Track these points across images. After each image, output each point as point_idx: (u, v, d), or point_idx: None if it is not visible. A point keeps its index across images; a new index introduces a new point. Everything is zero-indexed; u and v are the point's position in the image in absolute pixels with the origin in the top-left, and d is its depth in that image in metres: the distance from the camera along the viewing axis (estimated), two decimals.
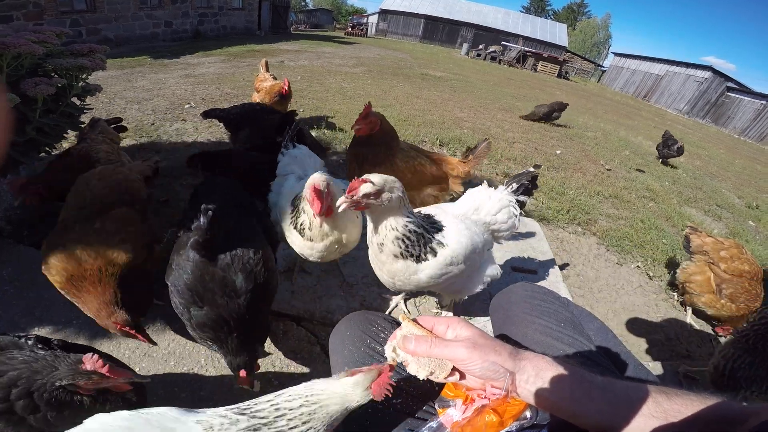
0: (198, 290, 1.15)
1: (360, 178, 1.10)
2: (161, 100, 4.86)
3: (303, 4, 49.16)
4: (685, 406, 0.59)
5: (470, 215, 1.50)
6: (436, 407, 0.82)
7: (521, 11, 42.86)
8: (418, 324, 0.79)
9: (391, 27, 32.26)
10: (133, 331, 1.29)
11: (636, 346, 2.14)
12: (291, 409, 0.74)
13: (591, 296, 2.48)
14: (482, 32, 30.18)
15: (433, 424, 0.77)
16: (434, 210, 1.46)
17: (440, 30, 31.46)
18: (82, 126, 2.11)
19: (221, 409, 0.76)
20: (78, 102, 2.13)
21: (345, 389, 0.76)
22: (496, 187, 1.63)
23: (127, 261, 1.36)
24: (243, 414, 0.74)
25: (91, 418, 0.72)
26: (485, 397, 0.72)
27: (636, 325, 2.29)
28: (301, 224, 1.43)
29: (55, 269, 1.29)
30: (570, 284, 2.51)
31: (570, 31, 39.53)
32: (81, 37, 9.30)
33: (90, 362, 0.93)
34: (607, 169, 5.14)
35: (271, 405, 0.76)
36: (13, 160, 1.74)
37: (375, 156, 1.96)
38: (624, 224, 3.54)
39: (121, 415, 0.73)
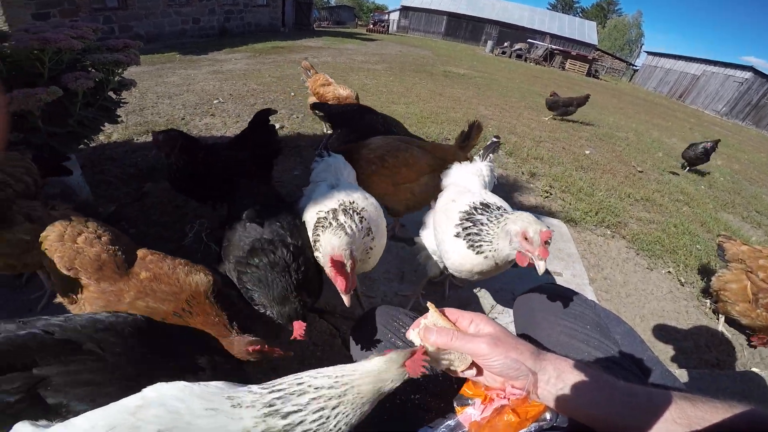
0: (256, 247, 1.29)
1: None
2: (191, 96, 5.00)
3: (325, 1, 49.46)
4: (710, 413, 0.57)
5: (480, 184, 1.71)
6: (455, 405, 0.81)
7: (548, 9, 41.71)
8: (444, 315, 0.78)
9: (413, 24, 32.06)
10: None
11: (663, 353, 2.09)
12: (316, 388, 0.72)
13: (618, 300, 2.41)
14: (507, 29, 29.63)
15: (451, 422, 0.77)
16: (470, 200, 1.48)
17: (463, 27, 31.06)
18: (119, 119, 2.18)
19: (254, 387, 0.76)
20: (114, 96, 2.20)
21: (379, 367, 0.73)
22: (472, 161, 1.89)
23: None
24: (264, 389, 0.74)
25: (151, 386, 0.75)
26: (505, 397, 0.71)
27: (664, 332, 2.23)
28: (318, 258, 1.36)
29: None
30: (597, 287, 2.46)
31: (599, 29, 38.24)
32: (113, 33, 9.67)
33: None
34: (639, 171, 4.97)
35: (295, 380, 0.75)
36: (55, 150, 1.82)
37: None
38: (656, 228, 3.43)
39: (177, 386, 0.75)
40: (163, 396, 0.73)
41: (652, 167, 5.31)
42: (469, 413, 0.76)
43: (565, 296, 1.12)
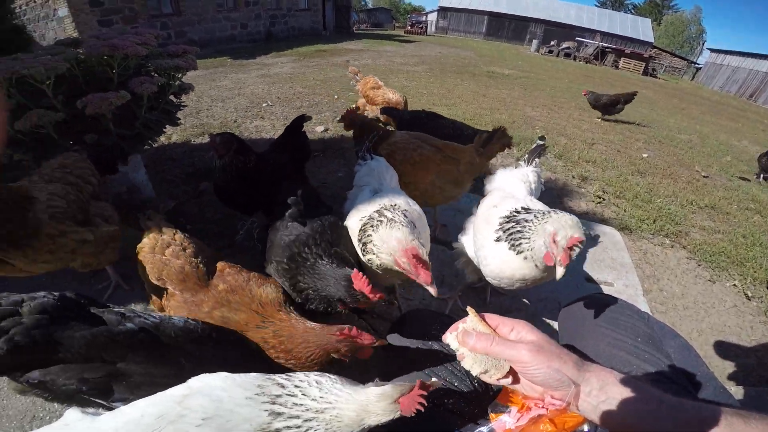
0: (302, 240, 1.31)
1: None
2: (242, 99, 5.19)
3: (363, 3, 50.10)
4: (763, 430, 0.55)
5: (526, 190, 1.65)
6: (489, 412, 0.81)
7: (596, 6, 39.59)
8: (484, 320, 0.76)
9: (452, 24, 31.58)
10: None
11: (720, 369, 1.94)
12: (304, 395, 0.75)
13: (674, 313, 2.26)
14: (553, 28, 28.44)
15: (484, 428, 0.76)
16: (513, 205, 1.42)
17: (506, 26, 30.18)
18: (179, 121, 2.28)
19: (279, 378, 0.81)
20: (174, 99, 2.30)
21: (368, 398, 0.73)
22: (517, 166, 1.83)
23: None
24: (275, 382, 0.78)
25: (195, 377, 0.78)
26: (543, 407, 0.69)
27: (724, 347, 2.08)
28: (369, 260, 1.31)
29: None
30: (651, 299, 2.32)
31: (655, 26, 35.68)
32: (170, 39, 10.33)
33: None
34: (704, 176, 4.56)
35: (299, 380, 0.79)
36: (123, 151, 1.93)
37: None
38: (721, 238, 3.13)
39: (220, 376, 0.78)
40: (208, 386, 0.76)
41: (719, 172, 4.86)
42: (504, 421, 0.74)
43: (614, 307, 1.09)
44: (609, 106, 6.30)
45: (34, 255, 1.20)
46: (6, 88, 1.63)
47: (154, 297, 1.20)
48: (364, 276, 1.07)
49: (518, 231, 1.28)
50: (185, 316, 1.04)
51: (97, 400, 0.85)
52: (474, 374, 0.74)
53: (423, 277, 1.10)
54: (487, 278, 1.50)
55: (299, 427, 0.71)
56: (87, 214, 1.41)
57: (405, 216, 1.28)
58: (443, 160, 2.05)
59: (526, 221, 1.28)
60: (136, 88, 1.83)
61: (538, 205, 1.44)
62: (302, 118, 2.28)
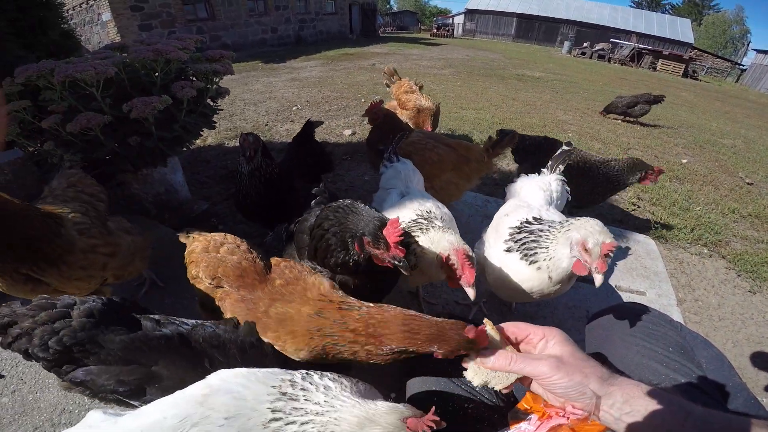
0: (329, 217, 1.24)
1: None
2: (273, 102, 5.34)
3: (388, 7, 50.29)
4: None
5: (544, 199, 1.59)
6: (509, 419, 0.81)
7: (631, 6, 38.05)
8: (500, 332, 0.77)
9: (480, 27, 31.21)
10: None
11: (753, 380, 1.87)
12: (306, 399, 0.75)
13: (709, 323, 2.19)
14: (586, 29, 27.60)
15: None
16: (524, 216, 1.40)
17: (536, 28, 29.53)
18: (215, 125, 2.34)
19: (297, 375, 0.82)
20: (211, 103, 2.36)
21: (376, 410, 0.72)
22: (540, 172, 1.79)
23: None
24: (289, 378, 0.79)
25: (214, 373, 0.80)
26: (564, 416, 0.70)
27: (761, 359, 2.01)
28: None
29: None
30: (685, 309, 2.25)
31: (695, 27, 33.89)
32: (205, 43, 10.70)
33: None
34: (748, 183, 4.30)
35: (310, 378, 0.80)
36: (162, 152, 2.00)
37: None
38: (765, 248, 2.96)
39: (241, 372, 0.79)
40: (228, 382, 0.77)
41: (765, 179, 4.57)
42: (523, 428, 0.75)
43: (646, 316, 1.07)
44: (630, 106, 6.00)
45: (69, 271, 1.23)
46: (59, 90, 1.72)
47: (204, 300, 1.17)
48: (401, 225, 1.05)
49: (533, 241, 1.26)
50: (244, 315, 1.03)
51: (130, 401, 0.89)
52: (475, 385, 0.76)
53: (467, 277, 1.15)
54: (491, 287, 1.49)
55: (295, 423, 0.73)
56: (108, 228, 1.45)
57: (439, 219, 1.34)
58: (458, 158, 2.13)
59: (542, 231, 1.26)
60: (178, 92, 1.88)
61: (552, 215, 1.41)
62: (311, 125, 2.22)
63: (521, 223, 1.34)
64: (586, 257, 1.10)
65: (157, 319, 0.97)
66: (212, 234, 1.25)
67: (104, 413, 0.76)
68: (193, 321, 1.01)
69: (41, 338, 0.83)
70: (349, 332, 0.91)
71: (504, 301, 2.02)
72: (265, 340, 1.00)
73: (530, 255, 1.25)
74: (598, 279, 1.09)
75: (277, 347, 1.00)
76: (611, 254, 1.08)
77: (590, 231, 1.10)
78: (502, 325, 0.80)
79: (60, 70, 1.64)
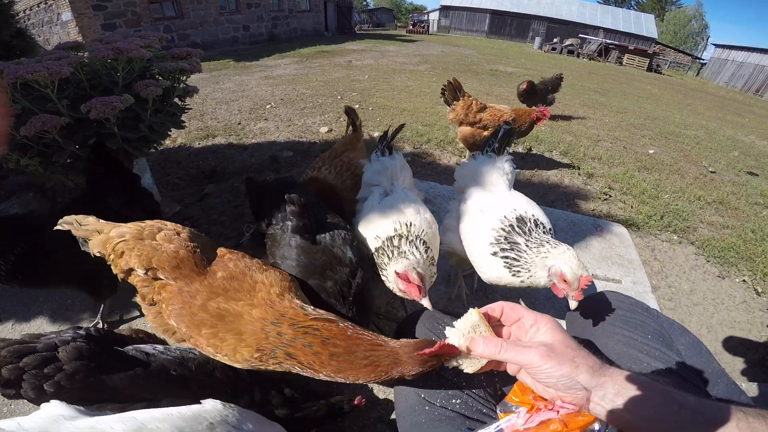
0: (309, 269, 1.17)
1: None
2: (246, 101, 5.21)
3: (364, 3, 50.04)
4: None
5: (505, 185, 1.61)
6: (498, 412, 0.81)
7: (599, 2, 39.31)
8: (485, 318, 0.76)
9: (454, 23, 31.53)
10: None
11: (731, 365, 1.93)
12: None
13: (683, 310, 2.25)
14: (556, 25, 28.33)
15: (492, 428, 0.75)
16: (503, 214, 1.41)
17: (508, 24, 30.09)
18: (184, 124, 2.27)
19: None
20: (179, 102, 2.28)
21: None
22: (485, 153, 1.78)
23: None
24: None
25: (208, 400, 0.83)
26: (553, 410, 0.69)
27: (734, 343, 2.08)
28: (385, 276, 1.30)
29: None
30: (660, 296, 2.31)
31: (657, 22, 35.34)
32: (173, 42, 10.34)
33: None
34: (711, 172, 4.52)
35: None
36: (127, 153, 1.92)
37: None
38: (730, 234, 3.11)
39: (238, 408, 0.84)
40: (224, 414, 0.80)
41: (726, 167, 4.81)
42: (513, 421, 0.74)
43: (623, 304, 1.09)
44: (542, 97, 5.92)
45: None
46: (10, 93, 1.62)
47: (143, 294, 1.04)
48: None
49: (514, 258, 1.29)
50: (180, 308, 0.95)
51: None
52: (449, 367, 0.77)
53: (413, 295, 1.18)
54: (485, 281, 1.49)
55: None
56: None
57: (425, 251, 1.29)
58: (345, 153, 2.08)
59: (520, 251, 1.28)
60: (141, 91, 1.81)
61: (524, 206, 1.41)
62: (99, 145, 1.63)
63: (505, 226, 1.35)
64: (565, 287, 1.15)
65: (145, 351, 0.97)
66: (147, 221, 1.09)
67: (67, 405, 0.77)
68: (178, 346, 1.02)
69: (32, 384, 0.84)
70: (312, 355, 0.86)
71: (486, 287, 2.05)
72: (195, 339, 0.92)
73: (513, 269, 1.29)
74: (573, 304, 1.14)
75: (207, 348, 0.92)
76: (587, 287, 1.13)
77: (569, 265, 1.14)
78: (496, 304, 0.79)
79: (9, 71, 1.55)
